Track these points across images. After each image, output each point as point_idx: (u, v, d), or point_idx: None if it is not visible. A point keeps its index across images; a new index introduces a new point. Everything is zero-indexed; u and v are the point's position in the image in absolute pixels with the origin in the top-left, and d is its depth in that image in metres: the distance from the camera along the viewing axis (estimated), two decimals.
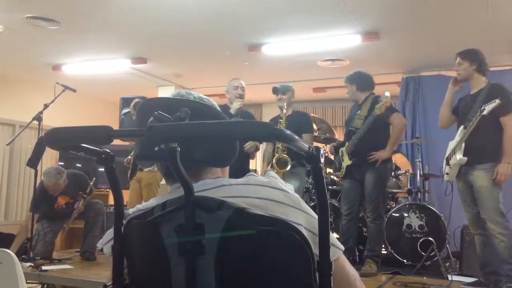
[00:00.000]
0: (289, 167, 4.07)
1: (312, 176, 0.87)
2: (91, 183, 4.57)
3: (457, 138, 3.49)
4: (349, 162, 3.95)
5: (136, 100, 4.94)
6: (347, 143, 4.00)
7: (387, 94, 3.85)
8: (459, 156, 3.39)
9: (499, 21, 4.48)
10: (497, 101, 3.23)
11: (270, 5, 4.26)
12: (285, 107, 4.27)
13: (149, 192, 4.74)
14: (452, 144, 3.56)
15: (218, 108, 1.11)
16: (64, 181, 4.27)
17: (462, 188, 3.52)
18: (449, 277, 3.74)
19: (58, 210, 4.42)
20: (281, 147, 4.12)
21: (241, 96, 4.24)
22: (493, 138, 3.32)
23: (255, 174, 1.02)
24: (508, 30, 4.70)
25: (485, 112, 3.25)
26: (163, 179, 1.11)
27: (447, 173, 3.55)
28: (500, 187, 3.28)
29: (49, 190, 4.27)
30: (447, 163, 3.57)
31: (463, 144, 3.39)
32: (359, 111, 3.98)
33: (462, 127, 3.48)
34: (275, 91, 4.39)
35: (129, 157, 4.85)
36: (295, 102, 4.55)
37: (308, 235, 0.91)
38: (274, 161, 4.12)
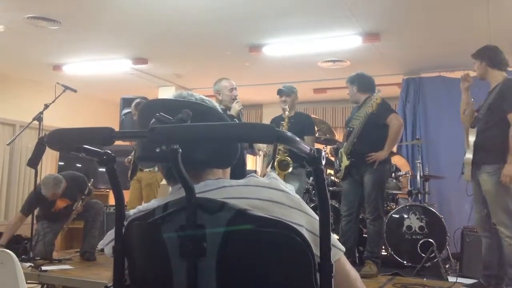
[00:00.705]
0: (290, 169, 4.09)
1: (313, 178, 0.88)
2: (90, 184, 4.56)
3: (470, 138, 3.44)
4: (348, 163, 3.95)
5: (138, 100, 4.95)
6: (344, 144, 4.02)
7: (377, 90, 3.86)
8: (467, 155, 3.38)
9: (499, 22, 4.48)
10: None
11: (271, 5, 4.26)
12: (288, 109, 4.29)
13: (149, 193, 4.74)
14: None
15: (220, 110, 1.11)
16: (63, 187, 4.25)
17: (474, 188, 3.47)
18: (449, 278, 3.74)
19: (56, 212, 4.42)
20: (282, 149, 4.13)
21: (236, 98, 4.13)
22: (499, 137, 3.24)
23: (256, 175, 1.02)
24: (508, 31, 4.70)
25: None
26: (164, 180, 1.11)
27: (462, 173, 3.50)
28: (507, 189, 3.19)
29: (47, 198, 4.27)
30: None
31: (472, 143, 3.36)
32: (357, 112, 3.99)
33: (474, 128, 3.42)
34: (280, 92, 4.39)
35: (130, 157, 4.86)
36: (296, 103, 4.56)
37: (309, 236, 0.91)
38: (276, 163, 4.13)
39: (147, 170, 4.78)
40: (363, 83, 4.03)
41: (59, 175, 4.38)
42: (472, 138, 3.39)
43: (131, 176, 4.85)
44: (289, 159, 4.11)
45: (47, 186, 4.17)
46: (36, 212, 4.35)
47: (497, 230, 3.27)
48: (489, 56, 3.41)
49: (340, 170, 4.06)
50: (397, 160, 5.46)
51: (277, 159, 4.14)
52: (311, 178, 4.63)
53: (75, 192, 4.46)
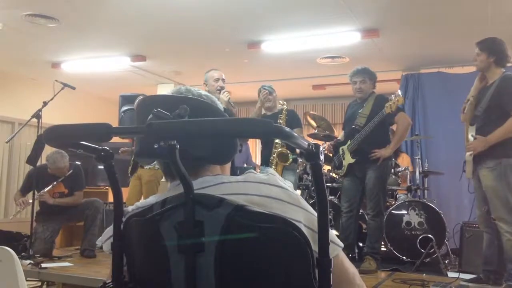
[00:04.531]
0: (290, 159, 4.14)
1: (312, 173, 0.88)
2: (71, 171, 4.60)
3: (470, 136, 3.42)
4: (352, 161, 3.94)
5: (141, 96, 4.96)
6: (349, 142, 3.99)
7: (399, 92, 3.85)
8: (468, 152, 3.37)
9: (499, 17, 4.47)
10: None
11: (270, 2, 4.25)
12: (285, 103, 4.36)
13: (149, 190, 4.74)
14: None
15: (219, 105, 1.10)
16: (68, 165, 4.46)
17: (475, 185, 3.46)
18: (449, 274, 3.75)
19: (51, 206, 4.46)
20: (280, 142, 4.19)
21: (223, 89, 4.01)
22: None
23: (254, 171, 1.02)
24: (508, 26, 4.69)
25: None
26: (164, 177, 1.11)
27: (464, 171, 3.49)
28: (508, 184, 3.19)
29: (55, 173, 4.40)
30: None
31: (472, 141, 3.35)
32: (361, 109, 3.97)
33: (473, 126, 3.38)
34: (270, 90, 4.40)
35: (126, 148, 4.87)
36: (295, 99, 4.59)
37: (307, 232, 0.91)
38: (275, 155, 4.19)
39: (147, 167, 4.78)
40: (375, 80, 4.05)
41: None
42: (471, 136, 3.39)
43: (132, 172, 4.85)
44: (288, 151, 4.16)
45: (53, 160, 4.35)
46: (34, 213, 4.36)
47: (497, 226, 3.27)
48: (499, 52, 3.32)
49: (342, 167, 4.05)
50: (404, 158, 5.48)
51: (276, 152, 4.19)
52: (311, 175, 4.66)
53: (74, 185, 4.55)
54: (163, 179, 5.01)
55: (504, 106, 3.23)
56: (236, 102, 8.24)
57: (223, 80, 4.06)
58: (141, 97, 4.89)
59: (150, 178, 4.78)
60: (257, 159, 8.26)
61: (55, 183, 4.45)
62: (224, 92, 3.96)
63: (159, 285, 0.96)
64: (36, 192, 4.36)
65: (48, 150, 4.54)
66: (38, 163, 4.25)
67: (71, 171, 4.53)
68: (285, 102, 4.40)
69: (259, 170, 6.66)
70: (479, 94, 3.45)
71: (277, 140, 4.17)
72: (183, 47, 5.63)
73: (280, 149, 4.22)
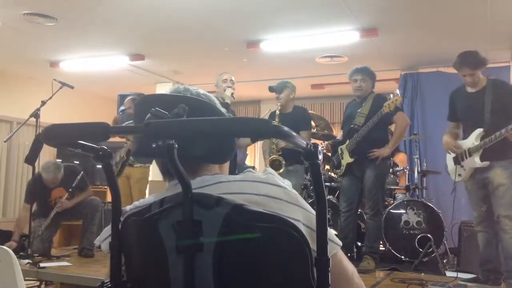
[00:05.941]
0: (282, 169, 4.10)
1: (310, 172, 0.87)
2: (79, 176, 4.52)
3: (473, 140, 3.38)
4: (351, 160, 3.94)
5: (132, 96, 4.95)
6: (348, 141, 3.99)
7: (398, 92, 3.86)
8: (477, 159, 3.32)
9: (499, 16, 4.47)
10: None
11: (269, 1, 4.25)
12: (279, 106, 4.34)
13: (141, 188, 4.73)
14: (464, 144, 3.48)
15: (218, 104, 1.10)
16: (61, 175, 4.35)
17: (470, 186, 3.46)
18: (447, 273, 3.75)
19: (52, 206, 4.43)
20: (275, 148, 4.15)
21: (229, 88, 4.25)
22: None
23: (253, 171, 1.02)
24: (508, 25, 4.69)
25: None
26: (152, 176, 1.11)
27: (459, 174, 3.48)
28: None
29: (47, 183, 4.33)
30: (458, 163, 3.50)
31: (479, 144, 3.32)
32: (359, 109, 3.97)
33: (480, 130, 3.35)
34: (270, 90, 4.40)
35: (123, 155, 4.85)
36: (294, 98, 4.55)
37: (306, 231, 0.91)
38: (268, 162, 4.16)
39: (137, 165, 4.77)
40: (375, 80, 4.06)
41: (58, 162, 4.49)
42: (477, 140, 3.35)
43: (118, 174, 4.82)
44: (282, 158, 4.12)
45: (48, 170, 4.26)
46: (32, 209, 4.36)
47: (499, 223, 3.27)
48: (484, 62, 3.39)
49: (340, 166, 4.05)
50: (401, 158, 5.48)
51: (269, 158, 4.17)
52: (310, 174, 4.64)
53: (77, 184, 4.51)
54: (151, 178, 5.01)
55: (508, 108, 3.26)
56: (236, 101, 8.26)
57: (231, 81, 4.32)
58: (132, 97, 4.92)
59: (141, 176, 4.77)
60: (257, 159, 8.27)
61: (63, 197, 4.41)
62: (226, 89, 4.24)
63: (158, 285, 0.96)
64: (38, 203, 4.41)
65: (46, 149, 4.53)
66: (36, 164, 4.23)
67: (72, 172, 4.48)
68: (278, 105, 4.37)
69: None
70: (468, 100, 3.48)
71: (273, 146, 4.17)
72: (182, 46, 5.62)
73: (272, 156, 4.17)
